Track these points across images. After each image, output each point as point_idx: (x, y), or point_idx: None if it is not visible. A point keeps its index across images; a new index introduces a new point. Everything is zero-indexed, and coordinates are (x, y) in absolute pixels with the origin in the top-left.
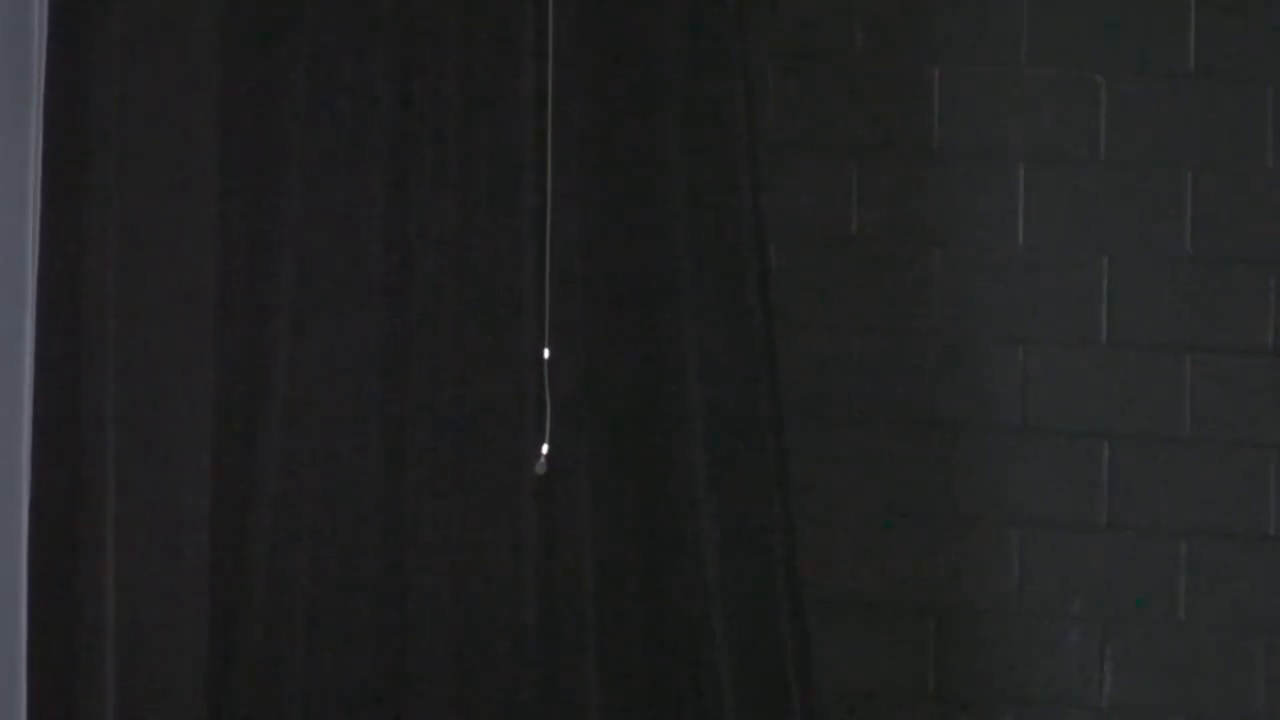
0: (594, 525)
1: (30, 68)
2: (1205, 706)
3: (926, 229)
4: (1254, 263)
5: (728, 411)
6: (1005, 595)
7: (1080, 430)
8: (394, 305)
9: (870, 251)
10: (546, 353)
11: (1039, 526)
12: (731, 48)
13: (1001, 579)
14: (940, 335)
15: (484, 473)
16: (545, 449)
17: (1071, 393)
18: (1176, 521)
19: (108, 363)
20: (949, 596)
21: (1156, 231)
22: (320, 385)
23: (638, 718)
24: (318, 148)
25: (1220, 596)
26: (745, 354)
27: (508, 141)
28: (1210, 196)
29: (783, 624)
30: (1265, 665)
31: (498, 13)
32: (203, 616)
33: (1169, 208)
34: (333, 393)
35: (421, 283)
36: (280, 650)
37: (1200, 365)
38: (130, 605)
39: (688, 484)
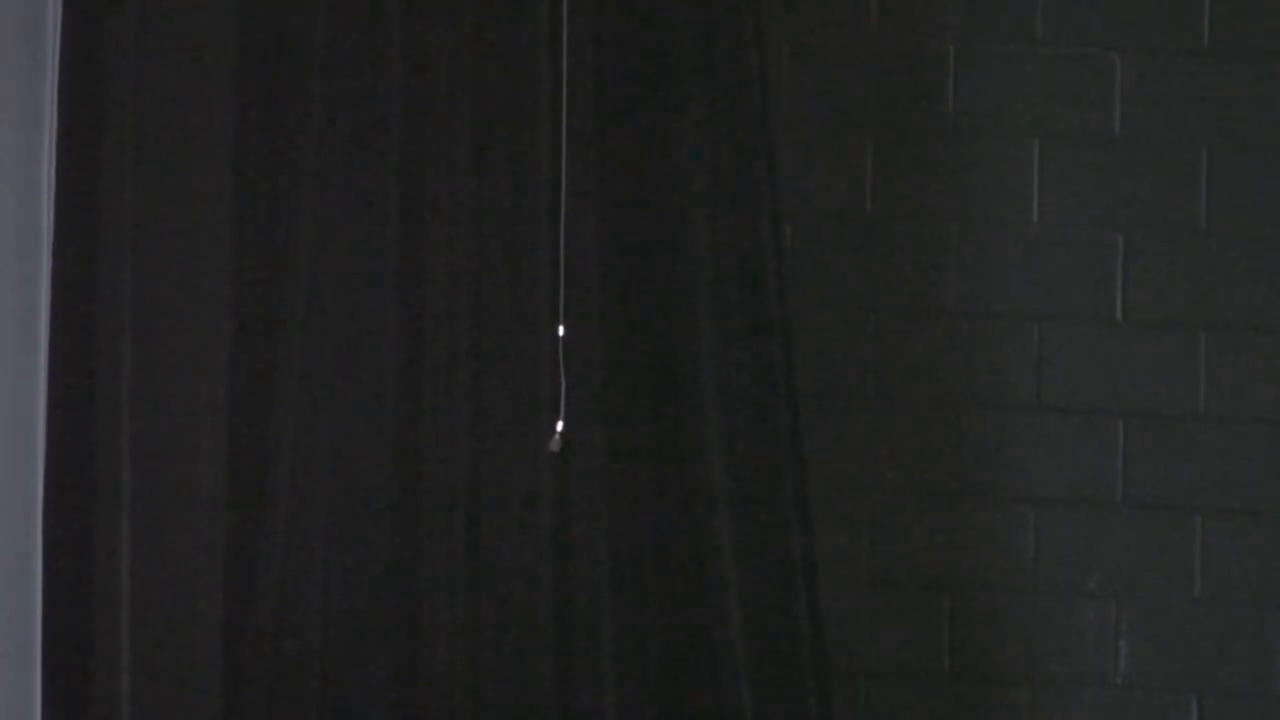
0: (609, 506)
1: (45, 66)
2: (1220, 683)
3: (941, 207)
4: (1269, 239)
5: (743, 389)
6: (1020, 573)
7: (1095, 407)
8: (409, 289)
9: (885, 229)
10: (561, 330)
11: (1054, 504)
12: (747, 26)
13: (1016, 556)
14: (955, 313)
15: (499, 454)
16: (560, 426)
17: (1086, 370)
18: (1191, 498)
19: (122, 359)
20: (964, 574)
21: (1171, 209)
22: (335, 376)
23: (655, 699)
24: (333, 139)
25: (1235, 573)
26: (760, 331)
27: (524, 121)
28: (1225, 173)
29: (798, 601)
30: None
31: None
32: (216, 614)
33: (1184, 185)
34: (347, 382)
35: (436, 263)
36: (294, 647)
37: (1215, 342)
38: (145, 602)
39: (702, 462)
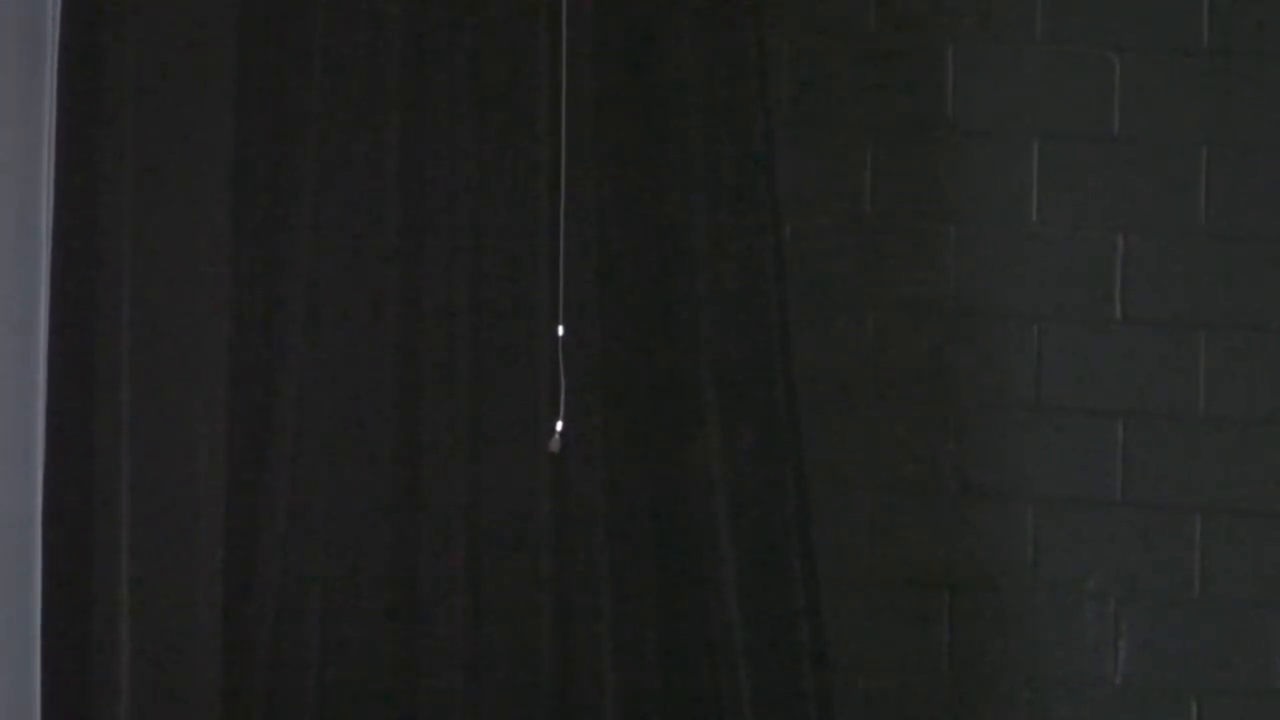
0: (608, 505)
1: (44, 66)
2: (1220, 683)
3: (940, 206)
4: (1269, 239)
5: (742, 388)
6: (1019, 572)
7: (1094, 407)
8: (408, 289)
9: (884, 229)
10: (561, 330)
11: (1053, 504)
12: (746, 25)
13: (1016, 556)
14: (954, 312)
15: (499, 454)
16: (560, 427)
17: (1085, 370)
18: (1191, 498)
19: (121, 359)
20: (963, 573)
21: (1171, 208)
22: (334, 376)
23: (654, 699)
24: (333, 139)
25: (1235, 573)
26: (759, 330)
27: (523, 121)
28: (1225, 173)
29: (797, 600)
30: None
31: None
32: (216, 614)
33: (1183, 185)
34: (346, 383)
35: (436, 262)
36: (293, 646)
37: (1215, 342)
38: (144, 602)
39: (702, 460)
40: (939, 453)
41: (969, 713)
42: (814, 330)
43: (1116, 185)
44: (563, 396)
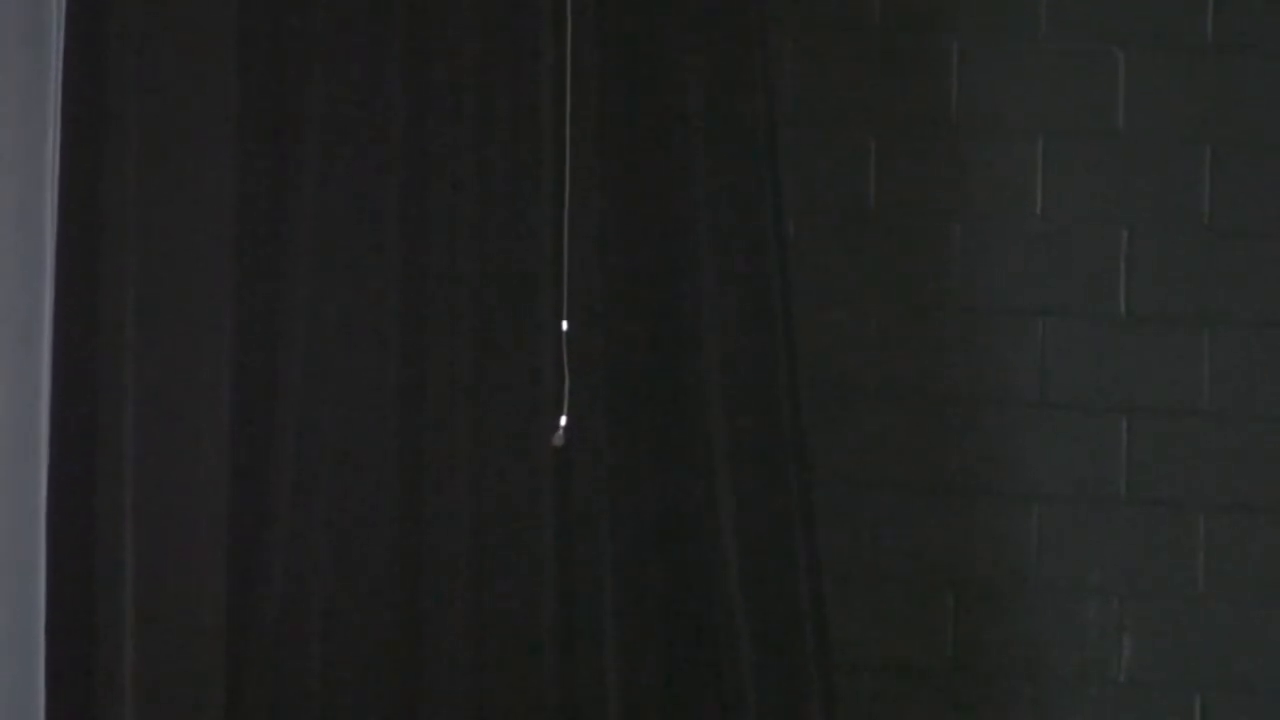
0: (611, 499)
1: (48, 64)
2: (1223, 679)
3: (944, 203)
4: (1272, 235)
5: (746, 385)
6: (1023, 569)
7: (1099, 404)
8: (411, 282)
9: (888, 225)
10: (565, 325)
11: (1057, 500)
12: (750, 21)
13: (1020, 553)
14: (958, 309)
15: (502, 449)
16: (564, 421)
17: (1090, 366)
18: (1195, 494)
19: (125, 358)
20: (967, 570)
21: (1175, 204)
22: (337, 373)
23: (658, 697)
24: (333, 139)
25: (1238, 569)
26: (763, 328)
27: (526, 119)
28: (1229, 169)
29: (801, 597)
30: None
31: None
32: (219, 614)
33: (1187, 181)
34: (349, 379)
35: (439, 256)
36: (296, 647)
37: (1219, 338)
38: (148, 603)
39: (706, 457)
40: (942, 450)
41: (972, 710)
42: (817, 327)
43: (1120, 181)
44: (566, 393)
